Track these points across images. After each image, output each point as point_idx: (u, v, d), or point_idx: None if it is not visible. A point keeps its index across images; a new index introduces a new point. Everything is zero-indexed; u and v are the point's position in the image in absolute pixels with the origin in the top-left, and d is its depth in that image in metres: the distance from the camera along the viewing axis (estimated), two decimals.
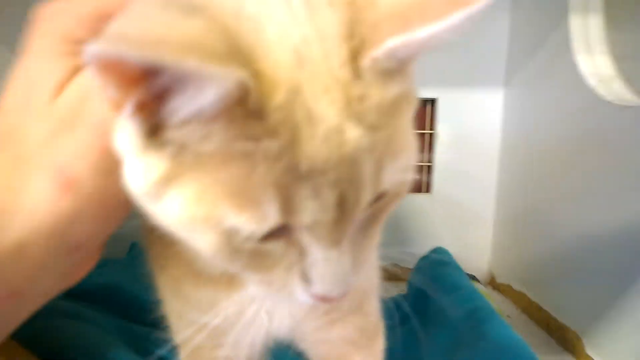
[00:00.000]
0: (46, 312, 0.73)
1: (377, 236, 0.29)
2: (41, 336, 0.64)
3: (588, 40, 0.87)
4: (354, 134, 0.22)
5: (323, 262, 0.24)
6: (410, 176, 0.27)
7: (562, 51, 0.91)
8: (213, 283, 0.34)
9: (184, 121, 0.21)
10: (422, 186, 1.31)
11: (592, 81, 0.83)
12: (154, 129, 0.22)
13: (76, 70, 0.27)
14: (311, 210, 0.22)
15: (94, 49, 0.17)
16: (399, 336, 0.86)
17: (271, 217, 0.22)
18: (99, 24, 0.25)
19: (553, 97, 1.00)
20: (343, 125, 0.22)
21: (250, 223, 0.22)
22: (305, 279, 0.25)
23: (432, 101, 1.25)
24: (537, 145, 1.07)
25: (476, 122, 1.24)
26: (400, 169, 0.25)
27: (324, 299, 0.26)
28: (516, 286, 1.16)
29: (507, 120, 1.21)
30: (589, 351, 0.85)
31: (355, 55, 0.23)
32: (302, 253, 0.25)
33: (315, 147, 0.21)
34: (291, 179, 0.21)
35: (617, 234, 0.80)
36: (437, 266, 1.00)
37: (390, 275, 1.31)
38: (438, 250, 1.07)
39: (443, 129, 1.25)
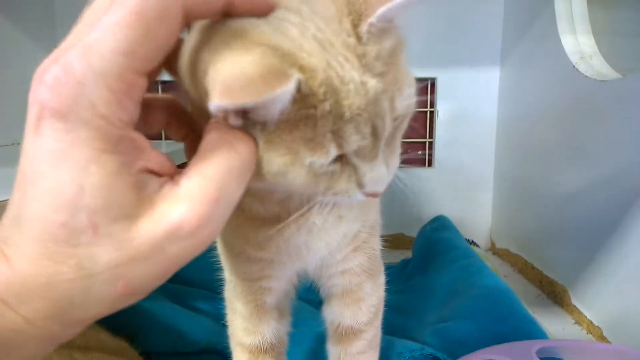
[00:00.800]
0: None
1: (399, 148, 0.39)
2: None
3: (572, 21, 0.95)
4: (372, 83, 0.32)
5: (369, 172, 0.35)
6: (414, 99, 0.36)
7: (550, 31, 0.99)
8: (266, 224, 0.43)
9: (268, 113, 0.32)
10: (425, 161, 1.40)
11: (573, 58, 0.91)
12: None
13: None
14: (355, 140, 0.32)
15: (217, 105, 0.28)
16: (407, 290, 0.97)
17: (332, 152, 0.32)
18: None
19: (542, 74, 1.08)
20: (364, 78, 0.32)
21: (320, 158, 0.32)
22: (361, 185, 0.36)
23: (432, 80, 1.34)
24: (530, 118, 1.16)
25: (474, 99, 1.32)
26: (406, 97, 0.35)
27: (374, 194, 0.36)
28: (513, 249, 1.26)
29: (502, 97, 1.29)
30: (574, 302, 0.95)
31: (356, 26, 0.32)
32: (354, 168, 0.35)
33: (351, 100, 0.31)
34: (341, 125, 0.32)
35: (598, 198, 0.89)
36: (437, 231, 1.09)
37: (399, 243, 1.42)
38: (438, 218, 1.17)
39: (442, 107, 1.34)
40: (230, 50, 0.30)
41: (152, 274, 0.29)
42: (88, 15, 0.28)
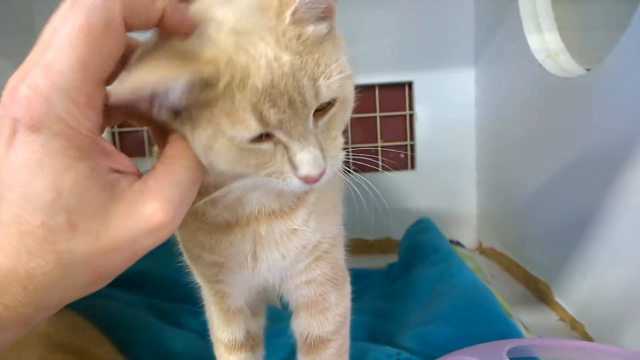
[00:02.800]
0: (91, 294, 0.85)
1: (339, 139, 0.41)
2: (88, 312, 0.76)
3: (537, 19, 0.96)
4: (285, 58, 0.35)
5: (300, 151, 0.37)
6: (349, 90, 0.39)
7: (517, 30, 1.00)
8: (218, 229, 0.46)
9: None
10: (407, 164, 1.41)
11: (539, 57, 0.92)
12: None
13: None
14: (273, 113, 0.35)
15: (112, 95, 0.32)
16: (390, 294, 0.97)
17: (253, 127, 0.35)
18: None
19: (512, 73, 1.09)
20: (278, 54, 0.35)
21: (242, 132, 0.35)
22: (294, 166, 0.37)
23: (409, 84, 1.34)
24: (505, 118, 1.17)
25: (452, 100, 1.33)
26: (334, 82, 0.37)
27: (307, 179, 0.37)
28: (498, 248, 1.26)
29: (479, 97, 1.30)
30: (557, 299, 0.95)
31: (279, 14, 0.36)
32: (286, 148, 0.37)
33: (262, 72, 0.34)
34: (256, 98, 0.34)
35: (572, 194, 0.89)
36: (420, 234, 1.10)
37: (386, 247, 1.42)
38: (421, 221, 1.17)
39: (421, 109, 1.34)
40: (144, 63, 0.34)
41: (122, 262, 0.34)
42: (46, 31, 0.32)
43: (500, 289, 1.02)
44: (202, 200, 0.40)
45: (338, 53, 0.39)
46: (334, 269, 0.54)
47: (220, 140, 0.35)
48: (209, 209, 0.45)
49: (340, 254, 0.55)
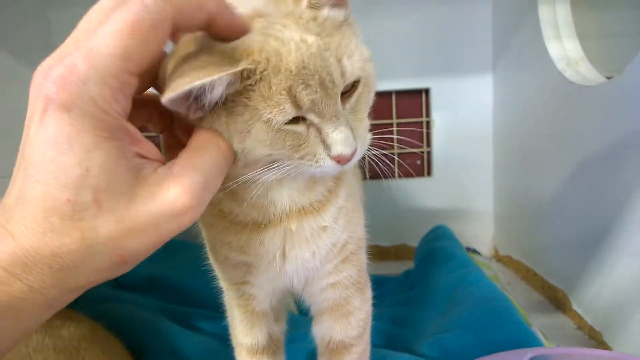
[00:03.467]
0: (105, 298, 0.87)
1: (366, 120, 0.42)
2: (102, 317, 0.78)
3: (557, 27, 0.96)
4: (311, 39, 0.37)
5: (332, 131, 0.38)
6: (369, 71, 0.41)
7: (536, 37, 1.00)
8: (246, 229, 0.47)
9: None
10: (423, 170, 1.41)
11: (560, 65, 0.92)
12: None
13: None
14: (306, 94, 0.36)
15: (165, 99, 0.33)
16: (407, 301, 0.97)
17: (288, 110, 0.36)
18: None
19: (532, 81, 1.08)
20: (303, 36, 0.37)
21: (277, 115, 0.36)
22: (326, 146, 0.39)
23: (426, 91, 1.35)
24: (523, 125, 1.16)
25: (469, 107, 1.33)
26: (356, 61, 0.39)
27: (340, 157, 0.39)
28: (515, 256, 1.26)
29: (497, 104, 1.30)
30: (575, 307, 0.95)
31: (298, 2, 0.39)
32: (318, 130, 0.39)
33: (294, 55, 0.36)
34: (291, 81, 0.36)
35: (591, 203, 0.89)
36: (436, 241, 1.10)
37: (401, 254, 1.42)
38: (438, 228, 1.18)
39: (438, 116, 1.34)
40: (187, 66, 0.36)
41: (146, 246, 0.34)
42: (83, 24, 0.33)
43: (517, 297, 1.02)
44: (222, 188, 0.41)
45: (356, 37, 0.41)
46: (359, 272, 0.54)
47: (257, 124, 0.37)
48: (235, 207, 0.46)
49: (364, 257, 0.56)
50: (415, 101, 1.36)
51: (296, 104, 0.36)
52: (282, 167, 0.39)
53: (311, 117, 0.38)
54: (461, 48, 1.29)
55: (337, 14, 0.40)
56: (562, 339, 0.89)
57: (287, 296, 0.64)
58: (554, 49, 0.94)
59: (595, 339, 0.85)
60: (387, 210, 1.37)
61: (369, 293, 0.57)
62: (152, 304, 0.94)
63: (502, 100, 1.27)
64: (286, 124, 0.37)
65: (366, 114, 0.42)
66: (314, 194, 0.47)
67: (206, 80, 0.33)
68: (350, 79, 0.39)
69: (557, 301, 1.02)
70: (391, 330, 0.85)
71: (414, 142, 1.31)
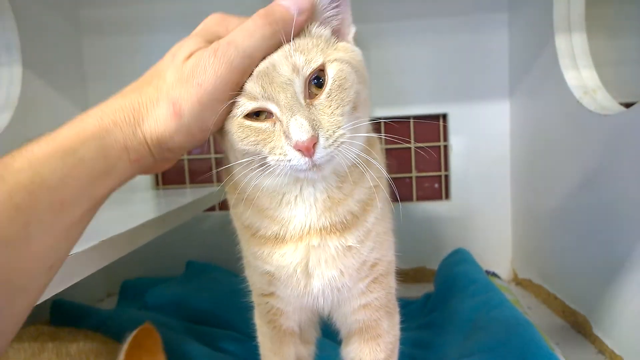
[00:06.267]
0: (132, 320, 0.90)
1: (339, 118, 0.44)
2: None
3: (573, 56, 0.98)
4: (276, 55, 0.45)
5: (288, 120, 0.42)
6: (345, 73, 0.45)
7: (553, 66, 1.02)
8: (268, 242, 0.50)
9: None
10: (442, 194, 1.43)
11: (577, 93, 0.94)
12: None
13: (200, 48, 0.45)
14: (258, 86, 0.43)
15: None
16: (429, 325, 0.98)
17: (246, 103, 0.43)
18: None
19: (549, 108, 1.10)
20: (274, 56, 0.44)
21: (238, 109, 0.44)
22: (287, 137, 0.42)
23: (444, 116, 1.38)
24: (540, 151, 1.18)
25: (487, 132, 1.35)
26: (312, 59, 0.44)
27: (298, 145, 0.42)
28: (535, 280, 1.26)
29: (514, 130, 1.32)
30: (596, 331, 0.95)
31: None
32: (281, 123, 0.43)
33: (262, 66, 0.44)
34: (251, 82, 0.43)
35: (609, 229, 0.90)
36: (456, 265, 1.11)
37: (420, 277, 1.43)
38: (457, 252, 1.19)
39: (456, 141, 1.37)
40: None
41: (190, 99, 0.43)
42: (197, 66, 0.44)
43: (538, 321, 1.02)
44: (239, 197, 0.49)
45: (326, 43, 0.47)
46: (388, 295, 0.56)
47: (232, 120, 0.45)
48: (256, 220, 0.51)
49: (394, 282, 0.58)
50: (433, 126, 1.39)
51: (251, 95, 0.43)
52: (267, 168, 0.44)
53: (271, 106, 0.43)
54: (478, 75, 1.32)
55: (320, 31, 0.47)
56: None
57: (316, 317, 0.66)
58: (571, 77, 0.97)
59: None
60: (406, 232, 1.38)
61: (397, 317, 0.59)
62: (178, 325, 0.97)
63: (519, 126, 1.29)
64: (252, 120, 0.44)
65: (341, 111, 0.44)
66: (335, 215, 0.49)
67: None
68: (306, 70, 0.43)
69: (577, 325, 1.03)
70: (415, 353, 0.86)
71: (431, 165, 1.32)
